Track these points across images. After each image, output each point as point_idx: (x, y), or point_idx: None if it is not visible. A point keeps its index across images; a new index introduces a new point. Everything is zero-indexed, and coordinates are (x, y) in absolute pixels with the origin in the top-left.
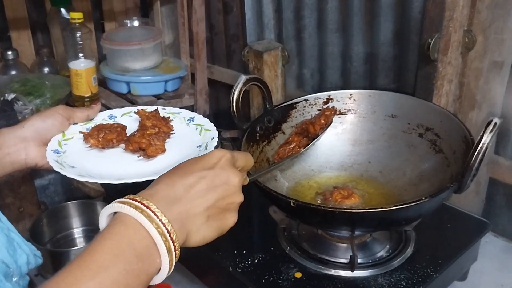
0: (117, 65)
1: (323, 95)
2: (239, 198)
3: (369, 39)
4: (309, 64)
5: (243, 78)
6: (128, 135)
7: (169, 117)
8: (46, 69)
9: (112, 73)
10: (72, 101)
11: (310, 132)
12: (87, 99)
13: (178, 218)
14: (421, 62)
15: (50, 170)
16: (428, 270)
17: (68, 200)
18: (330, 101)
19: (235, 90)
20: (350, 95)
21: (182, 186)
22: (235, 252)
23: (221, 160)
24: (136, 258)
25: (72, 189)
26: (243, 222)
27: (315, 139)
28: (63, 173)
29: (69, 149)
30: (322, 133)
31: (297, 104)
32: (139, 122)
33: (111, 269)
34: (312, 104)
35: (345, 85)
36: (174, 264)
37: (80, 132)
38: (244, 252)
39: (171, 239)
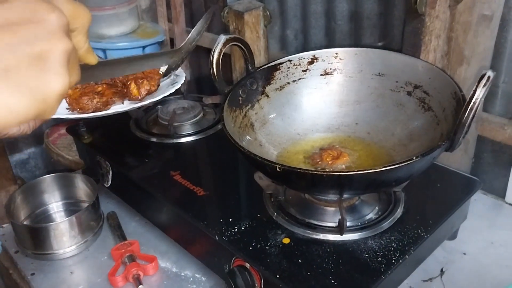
0: (91, 32)
1: (308, 54)
2: (63, 43)
3: None
4: (292, 25)
5: (222, 38)
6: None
7: None
8: None
9: None
10: None
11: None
12: None
13: None
14: (408, 17)
15: (12, 139)
16: (419, 230)
17: (49, 174)
18: (315, 60)
19: (214, 51)
20: (336, 53)
21: None
22: (221, 220)
23: None
24: None
25: (53, 163)
26: (228, 189)
27: None
28: (62, 117)
29: None
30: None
31: (280, 65)
32: None
33: None
34: (296, 65)
35: (330, 45)
36: None
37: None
38: (230, 220)
39: None
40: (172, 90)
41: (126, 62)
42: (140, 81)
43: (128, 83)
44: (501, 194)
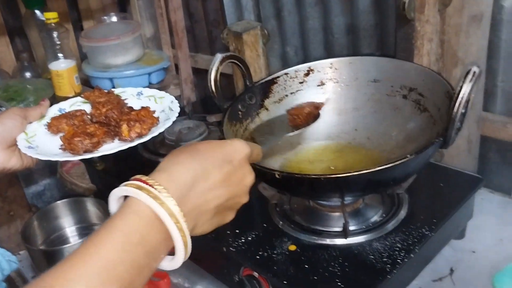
0: (98, 62)
1: (303, 67)
2: (245, 199)
3: (349, 9)
4: (292, 42)
5: (219, 56)
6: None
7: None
8: (28, 74)
9: (95, 71)
10: (57, 103)
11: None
12: None
13: (191, 212)
14: (399, 23)
15: (17, 173)
16: (423, 230)
17: None
18: (311, 72)
19: (211, 69)
20: (331, 64)
21: (202, 175)
22: (228, 232)
23: (241, 154)
24: (144, 255)
25: (68, 192)
26: None
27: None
28: (54, 159)
29: (40, 144)
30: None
31: (277, 79)
32: (91, 105)
33: (119, 266)
34: (293, 77)
35: (329, 57)
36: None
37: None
38: (237, 231)
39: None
40: (162, 130)
41: None
42: (132, 124)
43: (121, 123)
44: (508, 192)
